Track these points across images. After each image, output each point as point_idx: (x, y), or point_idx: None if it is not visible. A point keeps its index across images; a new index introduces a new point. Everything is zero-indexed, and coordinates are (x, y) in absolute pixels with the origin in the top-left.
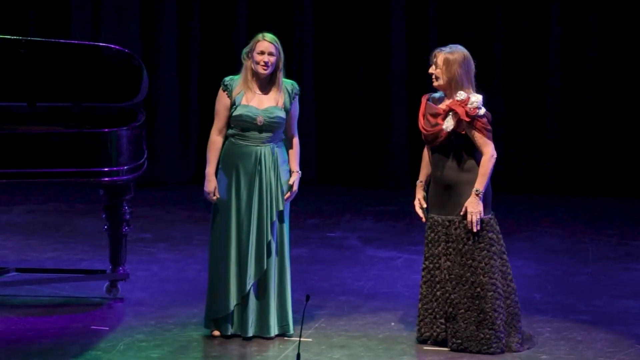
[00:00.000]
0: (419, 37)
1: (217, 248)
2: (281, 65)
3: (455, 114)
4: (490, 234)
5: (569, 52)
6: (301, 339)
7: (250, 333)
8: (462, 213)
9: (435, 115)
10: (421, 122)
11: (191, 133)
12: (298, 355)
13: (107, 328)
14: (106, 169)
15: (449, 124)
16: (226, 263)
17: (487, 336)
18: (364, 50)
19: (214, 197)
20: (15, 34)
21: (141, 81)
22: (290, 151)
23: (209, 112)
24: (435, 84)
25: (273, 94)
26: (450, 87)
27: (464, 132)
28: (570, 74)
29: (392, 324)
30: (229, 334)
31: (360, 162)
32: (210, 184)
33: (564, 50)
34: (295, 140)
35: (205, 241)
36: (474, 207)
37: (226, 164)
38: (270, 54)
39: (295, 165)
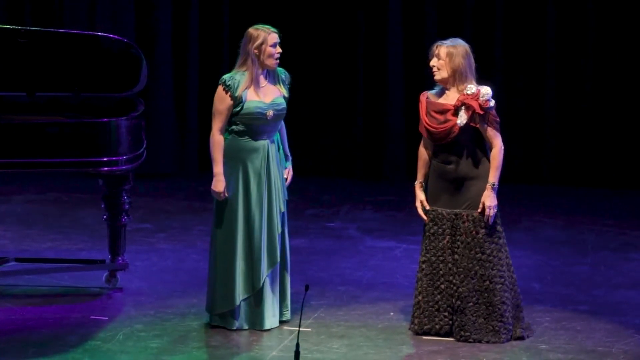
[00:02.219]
0: (416, 30)
1: (222, 243)
2: None
3: (468, 107)
4: (497, 227)
5: (566, 42)
6: (300, 329)
7: (267, 325)
8: (479, 209)
9: (442, 111)
10: (425, 120)
11: (190, 123)
12: (297, 345)
13: (107, 318)
14: (105, 159)
15: (462, 118)
16: (232, 258)
17: (497, 328)
18: (362, 40)
19: (224, 196)
20: (12, 24)
21: (140, 71)
22: (282, 136)
23: (208, 102)
24: (437, 76)
25: (273, 85)
26: (454, 80)
27: (477, 126)
28: (569, 65)
29: (392, 314)
30: (234, 328)
31: (359, 152)
32: (221, 183)
33: (561, 40)
34: (283, 124)
35: (205, 232)
36: (491, 201)
37: (231, 160)
38: (279, 45)
39: (287, 149)
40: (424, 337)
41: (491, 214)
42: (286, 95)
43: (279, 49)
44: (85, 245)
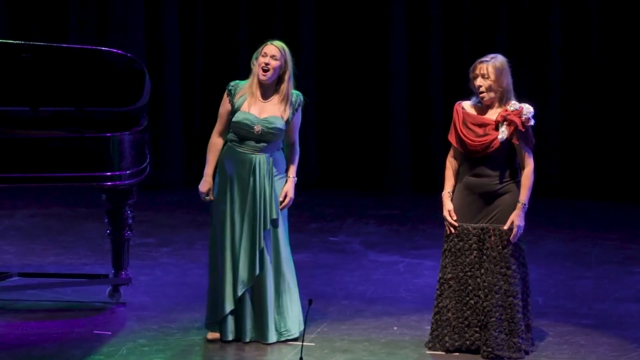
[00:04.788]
0: (420, 39)
1: (214, 252)
2: (288, 75)
3: (510, 123)
4: (521, 244)
5: (570, 55)
6: (304, 344)
7: (248, 338)
8: (506, 227)
9: (482, 125)
10: (462, 132)
11: (195, 136)
12: None
13: (110, 333)
14: (108, 174)
15: (503, 133)
16: (222, 268)
17: (518, 344)
18: (365, 53)
19: (207, 198)
20: (18, 39)
21: (144, 85)
22: (289, 157)
23: (212, 115)
24: (486, 97)
25: (276, 103)
26: (502, 98)
27: (516, 142)
28: (572, 78)
29: (395, 328)
30: (229, 339)
31: (362, 166)
32: (205, 184)
33: (565, 53)
34: (295, 147)
35: (207, 245)
36: (520, 221)
37: (222, 169)
38: (273, 57)
39: (292, 171)
40: (427, 352)
41: (518, 233)
42: (289, 118)
43: (267, 59)
44: (88, 259)
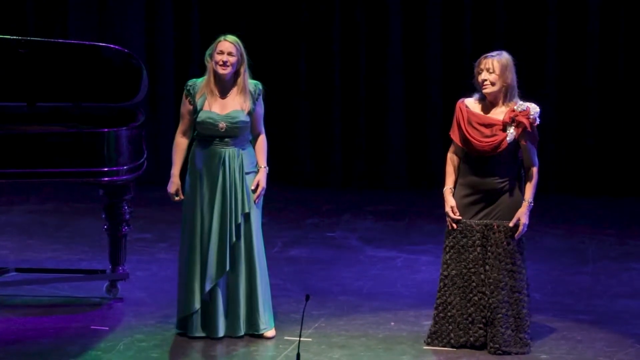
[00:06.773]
0: (418, 35)
1: (183, 248)
2: (244, 68)
3: (519, 124)
4: (523, 239)
5: (568, 52)
6: (301, 339)
7: (220, 334)
8: (511, 224)
9: (489, 125)
10: (468, 131)
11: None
12: (298, 355)
13: (107, 328)
14: (105, 169)
15: (512, 135)
16: (191, 263)
17: (524, 339)
18: (363, 51)
19: (177, 198)
20: (15, 34)
21: (140, 81)
22: (257, 148)
23: None
24: (489, 90)
25: (236, 97)
26: (506, 94)
27: (524, 143)
28: (570, 76)
29: (392, 323)
30: (195, 335)
31: (359, 161)
32: (173, 185)
33: (563, 50)
34: (262, 137)
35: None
36: (526, 219)
37: (192, 166)
38: (229, 53)
39: (262, 161)
40: (425, 347)
41: (524, 231)
42: (250, 109)
43: (224, 57)
44: (85, 255)
